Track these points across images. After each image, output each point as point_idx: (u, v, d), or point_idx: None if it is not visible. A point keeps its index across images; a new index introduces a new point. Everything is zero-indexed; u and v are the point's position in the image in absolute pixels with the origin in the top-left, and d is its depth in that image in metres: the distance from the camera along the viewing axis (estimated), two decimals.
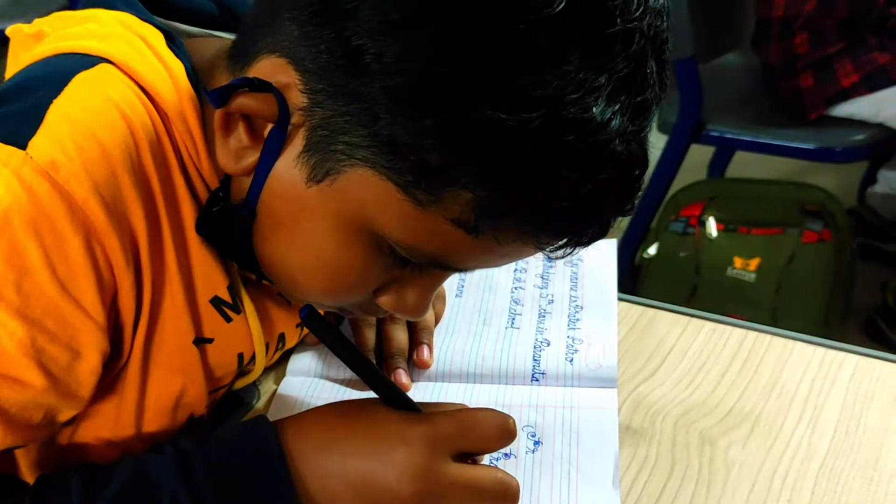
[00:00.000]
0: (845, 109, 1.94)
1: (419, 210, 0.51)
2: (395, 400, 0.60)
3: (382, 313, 0.64)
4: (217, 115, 0.57)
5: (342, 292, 0.59)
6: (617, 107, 0.49)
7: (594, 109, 0.48)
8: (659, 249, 1.97)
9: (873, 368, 0.77)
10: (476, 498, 0.58)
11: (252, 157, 0.57)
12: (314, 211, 0.55)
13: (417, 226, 0.52)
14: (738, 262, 1.88)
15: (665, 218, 1.99)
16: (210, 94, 0.56)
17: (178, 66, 0.59)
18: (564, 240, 0.54)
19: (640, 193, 0.53)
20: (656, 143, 2.02)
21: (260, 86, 0.54)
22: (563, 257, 0.55)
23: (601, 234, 0.54)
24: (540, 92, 0.47)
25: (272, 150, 0.55)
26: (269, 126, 0.55)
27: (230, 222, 0.60)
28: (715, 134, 1.98)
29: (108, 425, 0.63)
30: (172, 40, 0.60)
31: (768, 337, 0.80)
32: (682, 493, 0.65)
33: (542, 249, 0.54)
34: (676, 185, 2.03)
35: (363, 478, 0.57)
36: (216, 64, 0.61)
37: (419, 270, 0.59)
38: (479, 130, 0.47)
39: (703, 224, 1.94)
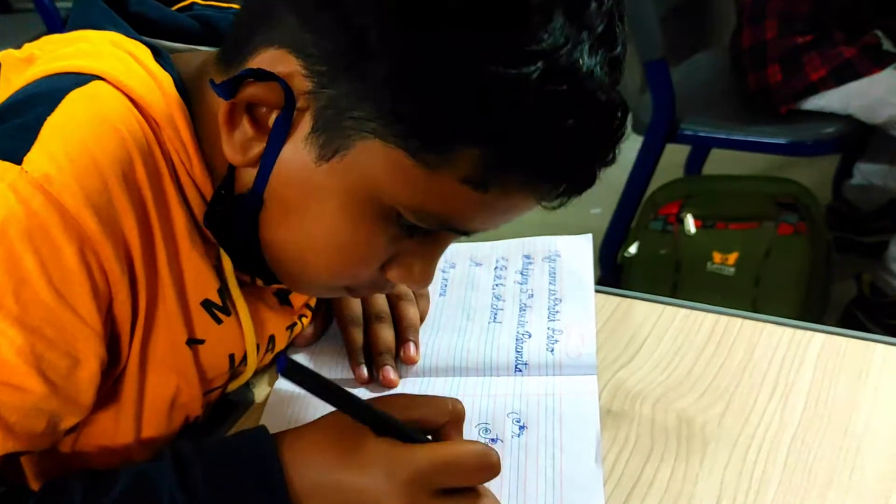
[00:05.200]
0: (815, 103, 1.96)
1: (429, 173, 0.54)
2: (385, 429, 0.60)
3: (389, 288, 0.66)
4: (222, 109, 0.59)
5: (351, 268, 0.62)
6: (598, 58, 0.53)
7: (580, 61, 0.52)
8: (640, 248, 1.99)
9: (839, 345, 0.80)
10: None
11: (258, 147, 0.59)
12: (324, 189, 0.58)
13: (427, 189, 0.55)
14: (717, 257, 1.90)
15: (644, 217, 2.02)
16: (218, 86, 0.58)
17: (166, 78, 0.61)
18: (562, 188, 0.57)
19: (622, 141, 0.57)
20: (632, 143, 2.06)
21: (264, 75, 0.56)
22: (558, 207, 0.58)
23: (591, 182, 0.58)
24: (536, 47, 0.51)
25: (278, 136, 0.58)
26: (274, 114, 0.58)
27: (235, 214, 0.62)
28: (689, 133, 2.01)
29: (108, 432, 0.65)
30: (159, 54, 0.63)
31: (739, 320, 0.83)
32: (663, 469, 0.68)
33: (541, 201, 0.58)
34: (654, 184, 2.06)
35: None
36: (204, 71, 0.63)
37: (423, 241, 0.61)
38: (485, 88, 0.51)
39: (681, 221, 1.96)
